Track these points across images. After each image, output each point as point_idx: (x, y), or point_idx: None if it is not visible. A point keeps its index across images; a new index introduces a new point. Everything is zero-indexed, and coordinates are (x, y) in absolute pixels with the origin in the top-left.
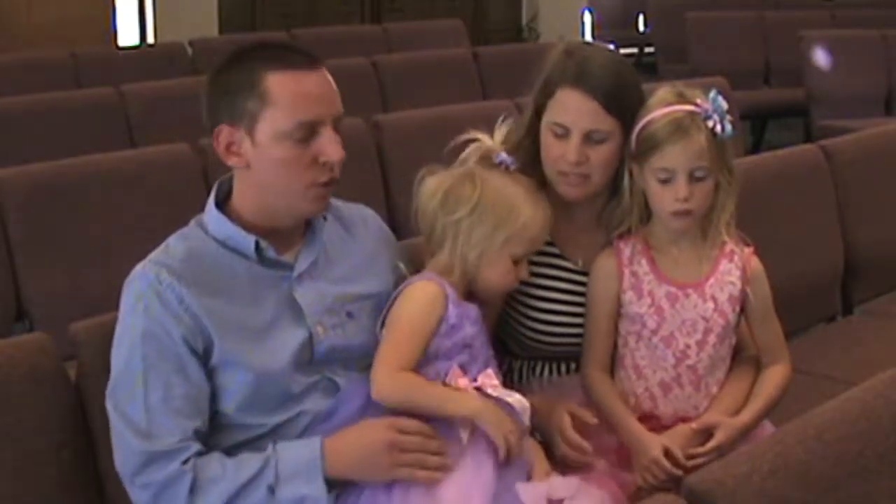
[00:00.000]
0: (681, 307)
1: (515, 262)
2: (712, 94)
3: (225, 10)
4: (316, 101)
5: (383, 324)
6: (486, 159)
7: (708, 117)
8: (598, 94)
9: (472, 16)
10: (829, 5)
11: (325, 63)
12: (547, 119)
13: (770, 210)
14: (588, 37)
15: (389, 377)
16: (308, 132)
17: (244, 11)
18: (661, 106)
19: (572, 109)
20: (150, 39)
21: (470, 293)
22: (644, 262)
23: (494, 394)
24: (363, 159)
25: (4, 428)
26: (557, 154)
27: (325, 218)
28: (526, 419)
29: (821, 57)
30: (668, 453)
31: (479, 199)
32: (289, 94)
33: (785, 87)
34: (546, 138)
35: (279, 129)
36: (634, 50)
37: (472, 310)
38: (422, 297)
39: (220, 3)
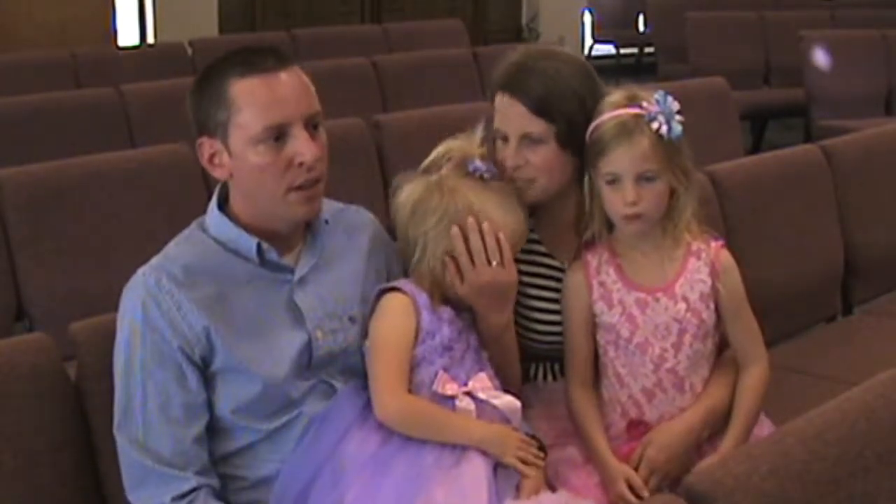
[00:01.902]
0: (652, 312)
1: None
2: (658, 95)
3: (225, 10)
4: (281, 102)
5: (366, 334)
6: (461, 167)
7: (652, 119)
8: (523, 97)
9: (472, 16)
10: (829, 5)
11: (323, 63)
12: (494, 125)
13: (770, 210)
14: (588, 37)
15: (394, 398)
16: (278, 135)
17: (244, 11)
18: (610, 109)
19: (504, 113)
20: (150, 39)
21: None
22: (611, 270)
23: (483, 396)
24: (363, 159)
25: (4, 428)
26: (500, 158)
27: (326, 221)
28: (515, 420)
29: (821, 57)
30: (630, 484)
31: (446, 209)
32: (253, 100)
33: (785, 87)
34: (496, 144)
35: (249, 136)
36: (634, 50)
37: (446, 312)
38: (391, 310)
39: (220, 3)
